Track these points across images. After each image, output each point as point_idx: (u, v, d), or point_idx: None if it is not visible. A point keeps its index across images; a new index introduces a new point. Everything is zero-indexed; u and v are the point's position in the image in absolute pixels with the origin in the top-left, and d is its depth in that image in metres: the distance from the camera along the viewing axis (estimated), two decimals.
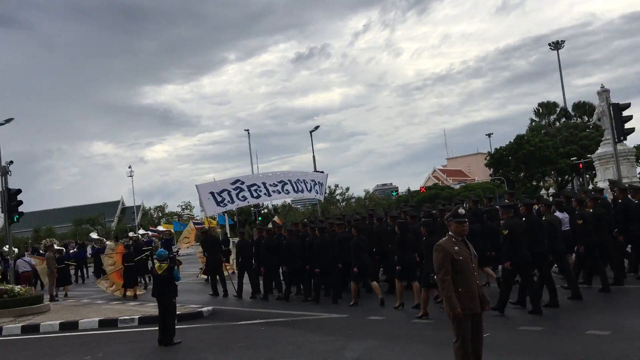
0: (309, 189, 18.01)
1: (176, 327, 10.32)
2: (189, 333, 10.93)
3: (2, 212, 20.90)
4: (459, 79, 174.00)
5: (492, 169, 68.43)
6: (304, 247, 14.14)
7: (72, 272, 24.94)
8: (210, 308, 13.50)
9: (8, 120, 24.36)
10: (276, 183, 17.22)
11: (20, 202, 20.76)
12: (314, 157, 38.38)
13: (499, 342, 7.87)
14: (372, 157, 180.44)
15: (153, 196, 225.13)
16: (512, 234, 9.80)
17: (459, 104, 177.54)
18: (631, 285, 11.61)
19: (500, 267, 11.30)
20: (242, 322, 11.90)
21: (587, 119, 70.15)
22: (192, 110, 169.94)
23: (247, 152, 63.76)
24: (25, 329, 13.02)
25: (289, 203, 72.59)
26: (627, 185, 14.39)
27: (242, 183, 16.64)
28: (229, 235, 33.35)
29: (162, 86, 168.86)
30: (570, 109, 75.23)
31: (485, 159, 71.50)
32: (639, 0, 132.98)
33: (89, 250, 30.87)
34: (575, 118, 73.73)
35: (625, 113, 20.41)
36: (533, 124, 75.91)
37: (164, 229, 33.59)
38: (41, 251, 25.49)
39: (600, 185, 26.92)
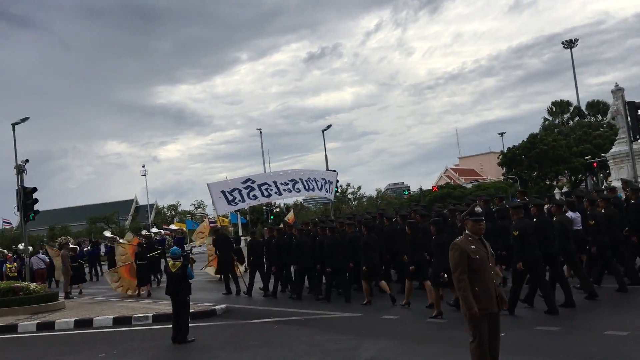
0: (319, 187, 17.99)
1: (190, 325, 10.34)
2: (202, 331, 10.94)
3: (18, 210, 21.13)
4: (471, 78, 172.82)
5: (504, 168, 68.02)
6: (315, 247, 14.16)
7: (87, 270, 25.17)
8: (223, 306, 13.54)
9: (24, 120, 24.54)
10: (287, 182, 17.21)
11: (36, 201, 20.98)
12: (326, 156, 38.19)
13: (516, 342, 7.80)
14: (384, 157, 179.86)
15: (166, 195, 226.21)
16: (523, 234, 9.74)
17: (471, 103, 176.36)
18: None
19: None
20: (256, 321, 11.90)
21: (600, 117, 69.55)
22: (205, 110, 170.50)
23: (259, 152, 63.70)
24: (41, 326, 13.12)
25: (300, 202, 72.64)
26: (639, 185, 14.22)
27: (253, 182, 16.67)
28: (240, 234, 33.48)
29: (176, 86, 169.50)
30: (583, 108, 74.62)
31: (498, 158, 71.07)
32: None
33: (102, 248, 31.12)
34: (588, 117, 73.11)
35: None
36: (546, 123, 75.36)
37: (177, 228, 33.80)
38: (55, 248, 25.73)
39: (615, 184, 26.64)
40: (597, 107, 71.86)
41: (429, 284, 10.95)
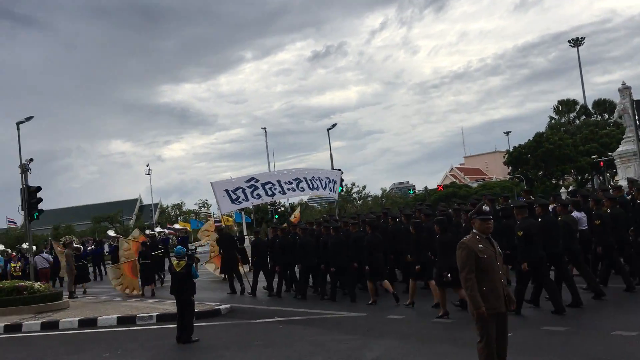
0: (323, 186, 17.92)
1: (194, 324, 10.30)
2: (207, 331, 10.90)
3: (22, 209, 21.14)
4: (477, 77, 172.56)
5: (510, 167, 67.79)
6: (319, 246, 14.09)
7: (90, 269, 25.19)
8: (228, 306, 13.49)
9: (28, 119, 24.56)
10: (291, 181, 17.15)
11: (40, 200, 20.99)
12: (331, 155, 38.00)
13: (523, 342, 7.71)
14: (389, 156, 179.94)
15: (170, 194, 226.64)
16: (527, 234, 9.66)
17: (476, 102, 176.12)
18: None
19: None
20: (260, 320, 11.86)
21: (607, 116, 69.16)
22: (209, 109, 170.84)
23: (264, 151, 63.86)
24: (45, 326, 13.11)
25: (305, 201, 72.63)
26: None
27: (257, 181, 16.63)
28: (245, 233, 33.44)
29: (180, 85, 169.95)
30: (590, 107, 74.29)
31: (504, 157, 70.83)
32: None
33: (106, 247, 31.15)
34: (595, 116, 72.79)
35: None
36: (552, 121, 75.07)
37: (181, 227, 33.82)
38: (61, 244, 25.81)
39: (621, 183, 26.46)
40: (603, 105, 71.57)
41: (434, 283, 10.88)
